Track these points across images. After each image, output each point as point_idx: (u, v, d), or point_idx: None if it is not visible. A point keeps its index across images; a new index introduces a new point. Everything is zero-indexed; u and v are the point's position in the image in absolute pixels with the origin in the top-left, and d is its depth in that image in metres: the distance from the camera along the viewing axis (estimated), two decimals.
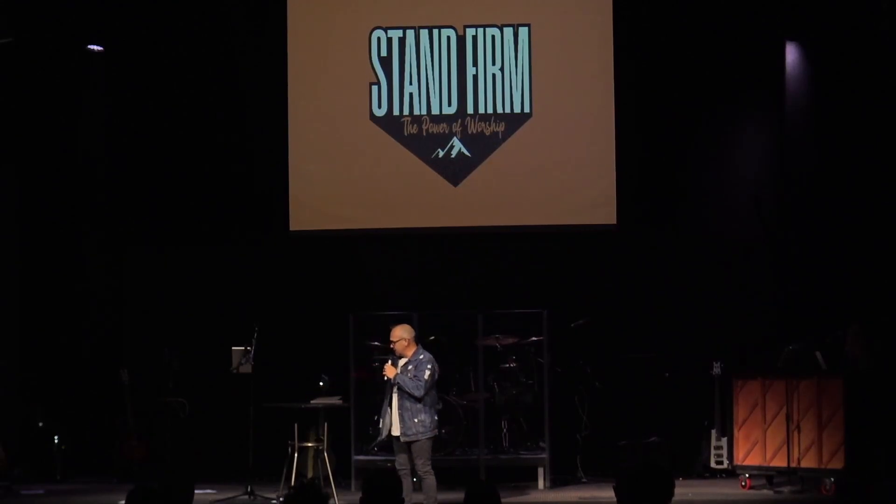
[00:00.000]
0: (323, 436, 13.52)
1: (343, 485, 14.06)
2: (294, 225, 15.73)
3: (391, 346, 12.39)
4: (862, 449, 13.08)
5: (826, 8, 15.24)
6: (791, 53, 15.52)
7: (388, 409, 12.24)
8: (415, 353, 12.27)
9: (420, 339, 12.54)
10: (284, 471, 13.51)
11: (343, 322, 14.56)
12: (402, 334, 12.31)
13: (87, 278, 16.07)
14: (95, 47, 15.78)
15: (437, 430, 12.40)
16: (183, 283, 15.78)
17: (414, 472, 12.26)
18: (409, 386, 12.07)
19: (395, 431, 12.18)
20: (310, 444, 13.71)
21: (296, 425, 13.49)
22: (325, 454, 13.49)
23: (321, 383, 14.00)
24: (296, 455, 13.41)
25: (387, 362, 12.43)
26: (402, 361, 12.27)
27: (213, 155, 15.85)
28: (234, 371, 13.98)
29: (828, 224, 15.31)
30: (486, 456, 14.41)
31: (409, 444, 12.12)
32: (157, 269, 15.89)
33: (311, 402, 13.53)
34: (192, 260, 15.82)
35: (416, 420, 12.08)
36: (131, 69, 15.91)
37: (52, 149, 15.98)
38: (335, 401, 13.53)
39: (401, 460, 12.20)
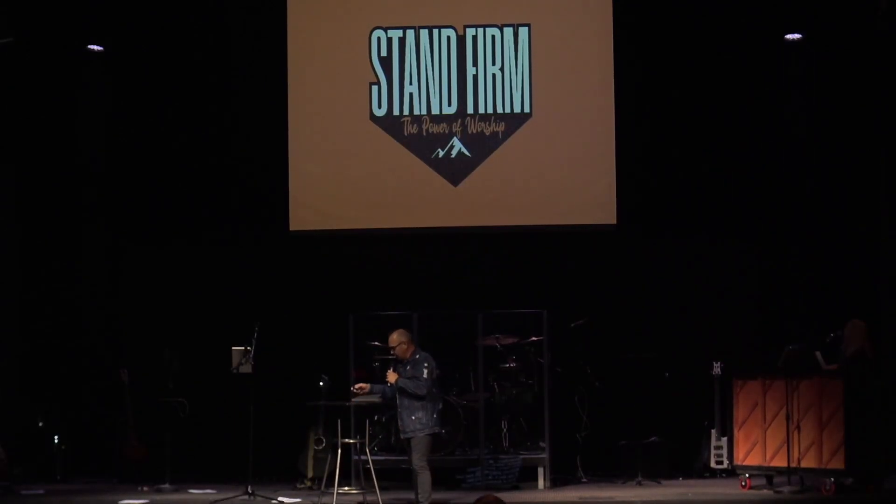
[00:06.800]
0: (365, 434, 13.38)
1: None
2: (294, 225, 15.74)
3: (391, 352, 12.59)
4: (862, 449, 13.07)
5: (825, 9, 15.26)
6: (791, 54, 15.52)
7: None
8: (412, 354, 12.56)
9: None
10: (327, 468, 13.36)
11: (343, 322, 14.56)
12: (400, 338, 12.55)
13: (86, 278, 16.06)
14: (95, 47, 15.79)
15: (437, 428, 12.61)
16: (183, 283, 15.78)
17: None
18: (411, 387, 12.39)
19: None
20: (351, 441, 13.47)
21: (339, 422, 13.32)
22: (368, 451, 13.30)
23: (321, 383, 13.98)
24: (339, 452, 13.19)
25: (389, 368, 12.63)
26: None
27: (213, 155, 15.85)
28: (234, 371, 13.96)
29: (827, 224, 15.32)
30: (486, 456, 14.40)
31: (408, 440, 12.44)
32: (156, 268, 15.89)
33: (353, 399, 13.32)
34: (191, 259, 15.83)
35: (413, 418, 12.41)
36: (131, 69, 15.91)
37: (51, 148, 15.97)
38: (375, 398, 13.25)
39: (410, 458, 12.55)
